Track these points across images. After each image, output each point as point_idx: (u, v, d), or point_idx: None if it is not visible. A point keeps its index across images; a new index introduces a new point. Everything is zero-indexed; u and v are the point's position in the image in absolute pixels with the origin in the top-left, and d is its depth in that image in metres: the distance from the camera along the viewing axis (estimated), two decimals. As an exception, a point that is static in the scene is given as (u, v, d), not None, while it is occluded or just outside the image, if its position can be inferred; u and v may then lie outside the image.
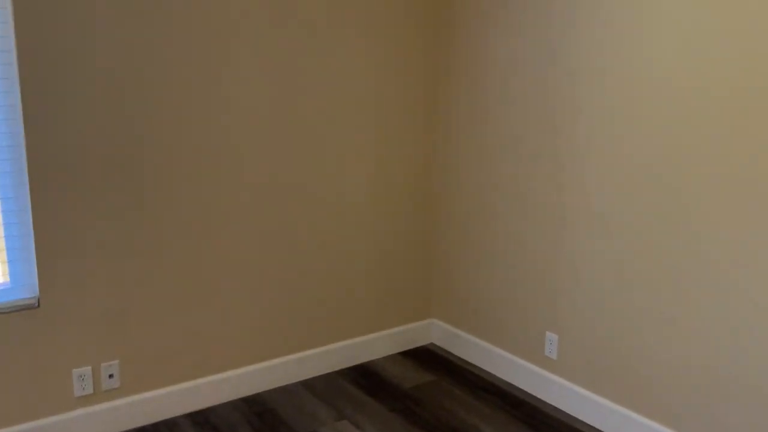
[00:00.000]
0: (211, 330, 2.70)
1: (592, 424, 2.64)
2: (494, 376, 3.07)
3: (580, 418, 2.68)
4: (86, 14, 2.24)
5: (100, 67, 2.29)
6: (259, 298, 2.81)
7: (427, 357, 3.28)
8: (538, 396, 2.87)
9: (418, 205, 3.26)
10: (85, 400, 2.46)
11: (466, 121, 3.08)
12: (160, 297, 2.56)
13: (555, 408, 2.78)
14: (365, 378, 3.03)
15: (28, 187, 2.24)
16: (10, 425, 2.32)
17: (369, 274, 3.15)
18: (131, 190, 2.42)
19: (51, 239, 2.29)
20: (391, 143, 3.09)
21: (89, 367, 2.45)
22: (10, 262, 2.29)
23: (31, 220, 2.26)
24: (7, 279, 2.30)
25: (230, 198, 2.66)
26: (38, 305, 2.32)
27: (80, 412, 2.44)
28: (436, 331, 3.41)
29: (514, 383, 2.98)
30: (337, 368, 3.11)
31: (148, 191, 2.46)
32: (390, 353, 3.31)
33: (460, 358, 3.26)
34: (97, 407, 2.48)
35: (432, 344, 3.43)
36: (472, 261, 3.14)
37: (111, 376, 2.51)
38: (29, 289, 2.33)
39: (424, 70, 3.14)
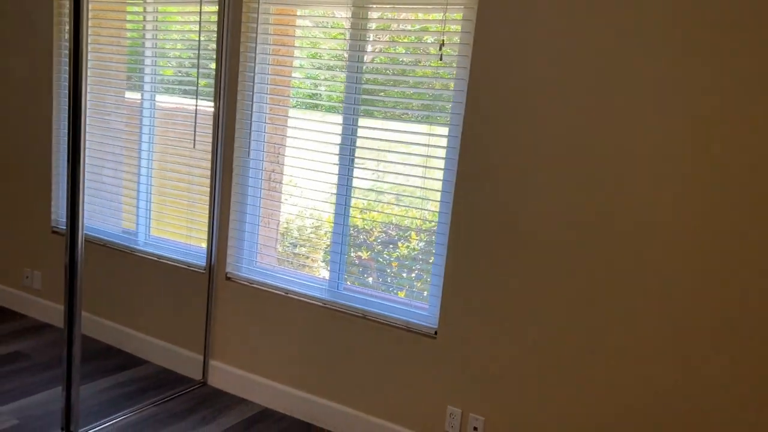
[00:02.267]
0: (581, 414, 2.40)
1: None
2: None
3: None
4: (534, 100, 2.38)
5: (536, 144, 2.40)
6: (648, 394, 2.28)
7: None
8: None
9: None
10: (451, 437, 2.67)
11: None
12: (540, 369, 2.47)
13: None
14: None
15: (447, 237, 2.60)
16: (391, 422, 2.78)
17: None
18: (534, 260, 2.43)
19: (457, 287, 2.59)
20: None
21: (459, 410, 2.64)
22: (432, 294, 2.71)
23: (444, 262, 2.62)
24: (427, 305, 2.75)
25: (633, 281, 2.27)
26: (435, 336, 2.67)
27: (444, 444, 2.67)
28: None
29: None
30: None
31: (550, 263, 2.40)
32: None
33: None
34: (457, 449, 2.65)
35: None
36: None
37: (475, 429, 2.61)
38: (432, 320, 2.70)
39: None
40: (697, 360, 2.18)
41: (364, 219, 2.84)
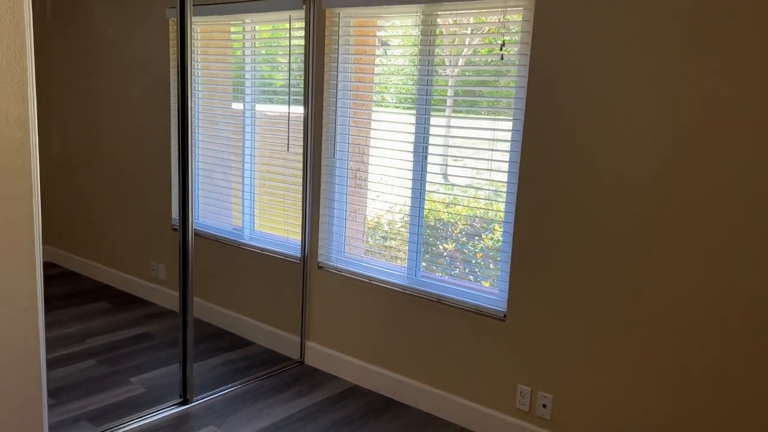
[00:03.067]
0: (645, 395, 2.48)
1: None
2: None
3: None
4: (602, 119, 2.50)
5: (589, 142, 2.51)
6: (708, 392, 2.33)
7: None
8: None
9: None
10: (522, 414, 2.82)
11: None
12: (605, 350, 2.57)
13: None
14: None
15: (512, 224, 2.76)
16: (465, 398, 2.97)
17: None
18: (599, 248, 2.54)
19: (524, 273, 2.74)
20: None
21: (529, 389, 2.79)
22: (501, 279, 2.88)
23: (511, 249, 2.79)
24: (496, 290, 2.92)
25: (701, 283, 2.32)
26: (504, 319, 2.84)
27: (515, 421, 2.83)
28: None
29: None
30: None
31: (615, 251, 2.51)
32: None
33: None
34: (528, 425, 2.80)
35: None
36: None
37: (544, 406, 2.75)
38: (501, 304, 2.87)
39: None
40: None
41: (433, 211, 3.06)
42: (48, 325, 3.36)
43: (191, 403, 3.07)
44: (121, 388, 3.15)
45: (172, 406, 3.03)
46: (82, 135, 4.53)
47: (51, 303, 4.18)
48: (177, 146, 2.95)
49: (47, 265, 4.66)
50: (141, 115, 4.23)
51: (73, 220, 4.64)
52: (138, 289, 4.42)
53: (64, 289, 4.38)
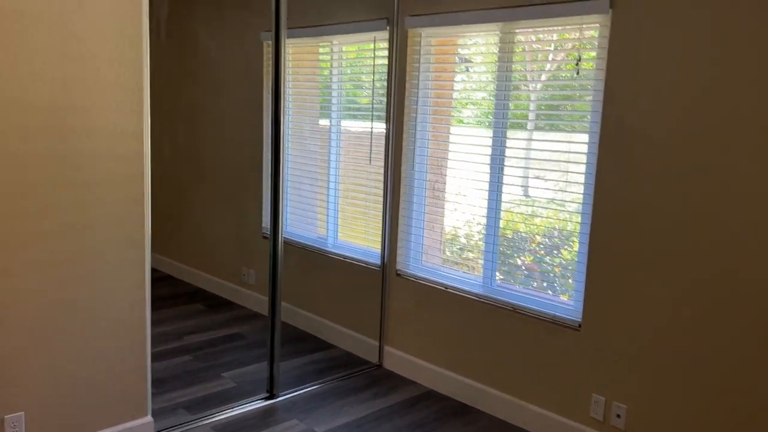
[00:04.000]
0: (720, 409, 2.46)
1: None
2: None
3: None
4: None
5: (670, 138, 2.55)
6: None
7: None
8: None
9: None
10: (596, 424, 2.84)
11: None
12: (680, 362, 2.57)
13: None
14: None
15: (588, 236, 2.81)
16: (539, 407, 3.02)
17: None
18: (676, 261, 2.56)
19: (599, 283, 2.79)
20: None
21: (603, 398, 2.81)
22: (576, 289, 2.93)
23: (586, 260, 2.83)
24: (571, 300, 2.96)
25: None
26: (579, 329, 2.88)
27: (589, 430, 2.86)
28: None
29: None
30: None
31: (691, 263, 2.52)
32: None
33: None
34: (601, 435, 2.82)
35: None
36: None
37: (618, 416, 2.77)
38: (576, 314, 2.91)
39: None
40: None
41: (511, 222, 3.15)
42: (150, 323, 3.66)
43: (277, 398, 3.28)
44: (214, 381, 3.41)
45: (259, 399, 3.25)
46: (183, 148, 4.92)
47: (152, 303, 4.54)
48: (269, 160, 3.20)
49: (149, 269, 5.07)
50: (237, 130, 4.56)
51: (173, 227, 5.03)
52: (230, 293, 4.72)
53: (164, 292, 4.75)
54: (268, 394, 3.29)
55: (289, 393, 3.34)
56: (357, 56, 3.84)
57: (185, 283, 4.93)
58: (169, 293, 4.72)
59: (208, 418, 3.04)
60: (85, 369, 2.55)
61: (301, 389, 3.39)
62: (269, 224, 3.26)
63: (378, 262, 3.72)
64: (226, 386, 3.37)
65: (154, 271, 5.15)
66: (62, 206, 2.40)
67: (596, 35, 2.75)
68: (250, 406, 3.19)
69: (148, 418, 2.78)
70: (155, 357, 3.63)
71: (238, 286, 4.68)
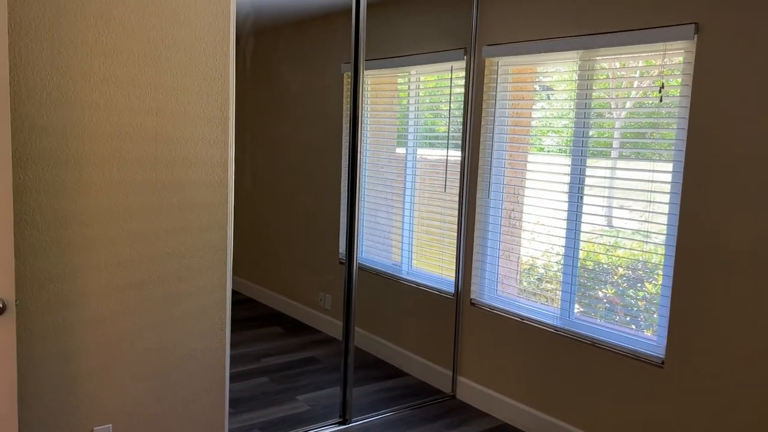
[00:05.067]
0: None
1: None
2: None
3: None
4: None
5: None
6: None
7: None
8: None
9: None
10: (681, 469, 2.69)
11: None
12: None
13: None
14: None
15: (672, 268, 2.70)
16: (624, 449, 2.89)
17: None
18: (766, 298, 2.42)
19: (685, 318, 2.66)
20: None
21: (689, 441, 2.66)
22: (660, 324, 2.81)
23: (670, 294, 2.71)
24: (653, 335, 2.84)
25: None
26: (662, 366, 2.75)
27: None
28: None
29: None
30: None
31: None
32: None
33: None
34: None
35: None
36: None
37: (706, 461, 2.61)
38: (659, 350, 2.78)
39: None
40: None
41: (591, 253, 3.06)
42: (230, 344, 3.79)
43: (349, 423, 3.30)
44: (289, 404, 3.47)
45: (332, 424, 3.28)
46: (264, 175, 5.10)
47: (232, 326, 4.68)
48: (346, 188, 3.27)
49: (231, 292, 5.24)
50: (316, 159, 4.68)
51: (253, 252, 5.19)
52: (307, 317, 4.81)
53: (243, 314, 4.89)
54: (341, 419, 3.31)
55: (362, 419, 3.35)
56: (435, 86, 3.89)
57: (265, 306, 5.06)
58: (248, 315, 4.87)
59: (282, 441, 3.09)
60: (168, 386, 2.66)
61: (374, 416, 3.39)
62: (345, 250, 3.31)
63: (452, 290, 3.70)
64: (300, 409, 3.42)
65: (235, 293, 5.32)
66: (154, 231, 2.53)
67: (681, 61, 2.67)
68: (324, 430, 3.22)
69: (225, 437, 2.85)
70: (233, 378, 3.73)
71: (315, 311, 4.76)
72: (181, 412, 2.71)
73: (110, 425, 2.53)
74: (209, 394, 2.78)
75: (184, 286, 2.64)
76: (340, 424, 3.29)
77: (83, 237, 2.39)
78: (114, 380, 2.52)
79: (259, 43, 4.94)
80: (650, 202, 2.81)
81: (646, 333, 2.87)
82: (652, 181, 2.79)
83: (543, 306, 3.29)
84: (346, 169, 3.25)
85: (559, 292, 3.21)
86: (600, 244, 3.05)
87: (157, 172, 2.52)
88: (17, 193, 2.24)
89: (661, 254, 2.79)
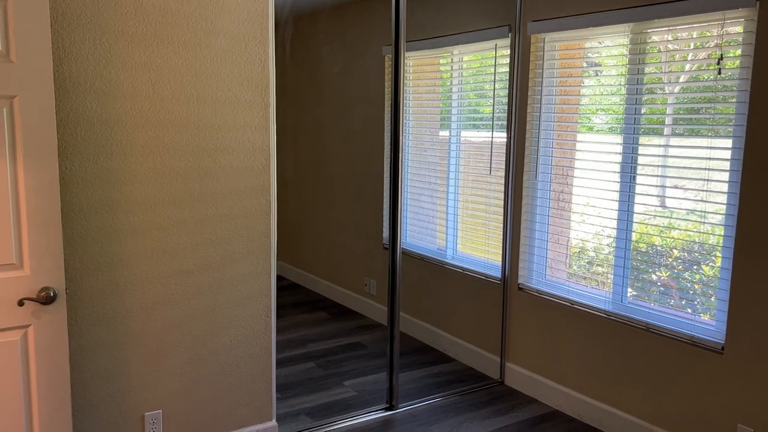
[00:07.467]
0: None
1: None
2: None
3: None
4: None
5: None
6: None
7: None
8: None
9: None
10: (743, 459, 2.58)
11: None
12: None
13: None
14: None
15: (732, 249, 2.56)
16: (663, 428, 2.79)
17: None
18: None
19: (746, 302, 2.53)
20: None
21: (752, 430, 2.54)
22: (719, 308, 2.68)
23: (730, 277, 2.58)
24: (712, 320, 2.71)
25: None
26: (722, 352, 2.63)
27: (735, 465, 2.59)
28: None
29: None
30: None
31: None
32: None
33: None
34: (750, 472, 2.55)
35: None
36: None
37: (770, 452, 2.49)
38: (718, 335, 2.66)
39: None
40: None
41: (645, 235, 2.94)
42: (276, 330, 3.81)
43: (396, 409, 3.28)
44: (335, 389, 3.47)
45: (379, 410, 3.26)
46: (307, 161, 5.10)
47: (278, 311, 4.72)
48: (389, 171, 3.22)
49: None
50: (359, 143, 4.65)
51: (298, 237, 5.21)
52: (352, 303, 4.80)
53: (289, 299, 4.92)
54: (387, 405, 3.30)
55: (409, 405, 3.32)
56: (479, 65, 3.79)
57: (310, 291, 5.08)
58: (294, 301, 4.89)
59: (330, 426, 3.09)
60: (216, 372, 2.68)
61: (421, 402, 3.36)
62: (389, 235, 3.27)
63: (498, 275, 3.62)
64: (346, 395, 3.41)
65: (280, 279, 5.36)
66: (198, 218, 2.54)
67: (741, 30, 2.51)
68: (371, 416, 3.21)
69: (273, 422, 2.87)
70: (280, 363, 3.75)
71: (360, 296, 4.75)
72: (229, 397, 2.73)
73: (160, 411, 2.57)
74: (256, 380, 2.79)
75: (229, 272, 2.65)
76: (387, 410, 3.27)
77: (129, 225, 2.41)
78: (163, 367, 2.55)
79: (298, 28, 4.91)
80: (707, 180, 2.67)
81: (704, 317, 2.74)
82: (709, 158, 2.65)
83: (594, 290, 3.18)
84: (389, 152, 3.20)
85: (610, 276, 3.10)
86: (653, 225, 2.93)
87: (200, 160, 2.52)
88: (64, 183, 2.27)
89: (719, 235, 2.66)
